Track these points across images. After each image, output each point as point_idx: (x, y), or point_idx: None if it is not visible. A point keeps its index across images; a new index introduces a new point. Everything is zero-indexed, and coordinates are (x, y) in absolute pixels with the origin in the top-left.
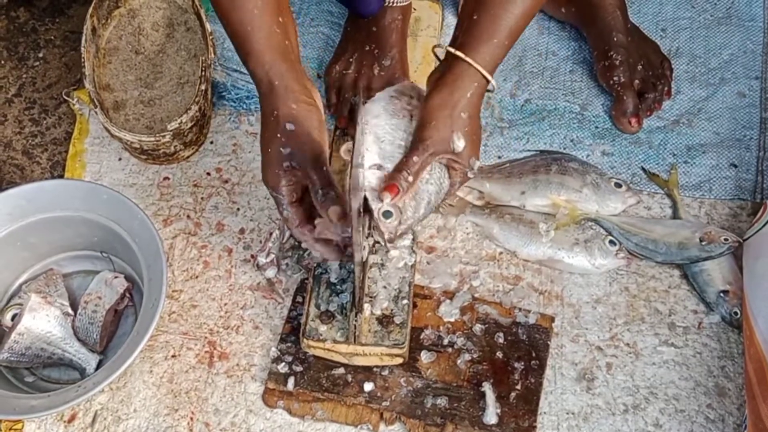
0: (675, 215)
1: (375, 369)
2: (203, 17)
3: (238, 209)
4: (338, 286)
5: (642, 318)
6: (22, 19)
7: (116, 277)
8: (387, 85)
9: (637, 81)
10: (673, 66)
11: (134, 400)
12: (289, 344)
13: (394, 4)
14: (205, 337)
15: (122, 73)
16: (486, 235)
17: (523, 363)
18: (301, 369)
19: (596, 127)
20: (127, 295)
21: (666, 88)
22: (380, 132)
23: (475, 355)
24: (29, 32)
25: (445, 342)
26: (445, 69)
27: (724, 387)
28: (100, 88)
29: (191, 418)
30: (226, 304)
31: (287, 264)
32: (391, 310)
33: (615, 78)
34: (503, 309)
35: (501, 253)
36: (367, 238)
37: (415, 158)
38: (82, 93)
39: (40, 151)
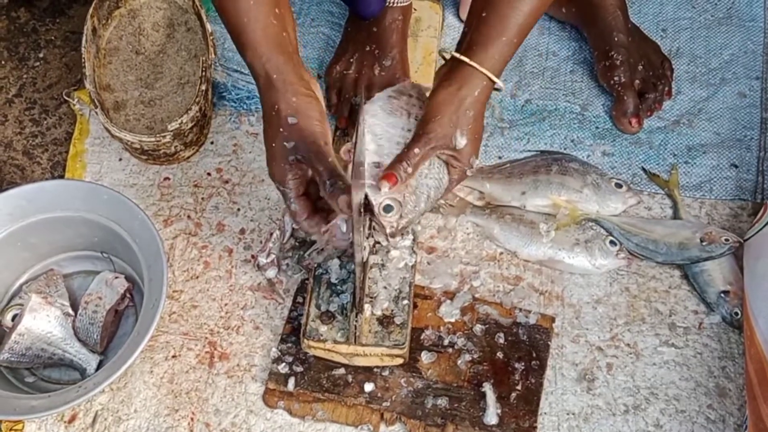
0: (675, 215)
1: (375, 369)
2: (204, 17)
3: (239, 209)
4: (339, 287)
5: (642, 318)
6: (22, 20)
7: (117, 278)
8: (387, 85)
9: (637, 81)
10: (673, 66)
11: (135, 401)
12: (289, 345)
13: (395, 5)
14: (206, 338)
15: (123, 74)
16: (486, 236)
17: (523, 363)
18: (302, 369)
19: (597, 128)
20: (128, 295)
21: (666, 89)
22: (378, 130)
23: (475, 356)
24: (30, 32)
25: (446, 342)
26: (454, 66)
27: (724, 387)
28: (100, 89)
29: (192, 419)
30: (226, 305)
31: (288, 264)
32: (392, 310)
33: (615, 78)
34: (504, 309)
35: (501, 253)
36: (367, 238)
37: (416, 150)
38: (83, 93)
39: (41, 152)
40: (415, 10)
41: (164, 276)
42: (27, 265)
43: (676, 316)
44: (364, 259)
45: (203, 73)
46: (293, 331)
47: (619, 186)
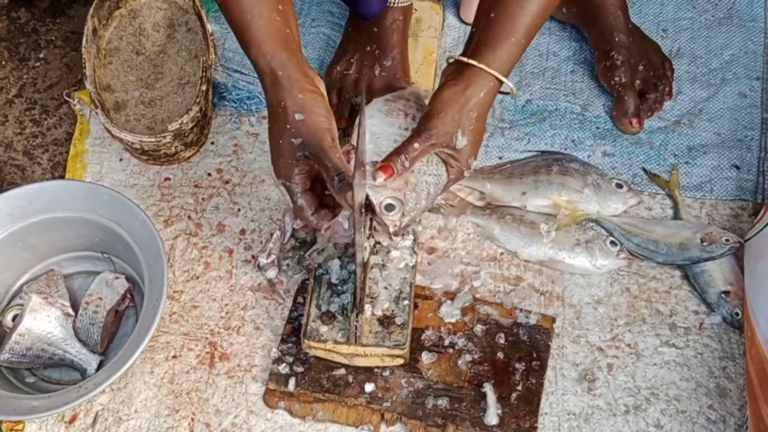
0: (676, 216)
1: (376, 370)
2: (204, 18)
3: (239, 210)
4: (339, 287)
5: (643, 319)
6: (23, 20)
7: (117, 278)
8: (388, 85)
9: (638, 81)
10: (674, 66)
11: (135, 401)
12: (290, 345)
13: (396, 5)
14: (206, 338)
15: (123, 74)
16: (487, 236)
17: (524, 364)
18: (302, 370)
19: (597, 128)
20: (128, 295)
21: (667, 89)
22: (375, 129)
23: (476, 356)
24: (30, 33)
25: (446, 343)
26: (462, 66)
27: (725, 388)
28: (100, 89)
29: (192, 419)
30: (226, 305)
31: (288, 265)
32: (392, 310)
33: (616, 78)
34: (504, 310)
35: (502, 253)
36: (368, 239)
37: (415, 145)
38: (83, 93)
39: (41, 152)
40: (415, 10)
41: (165, 276)
42: (27, 266)
43: (676, 317)
44: (365, 260)
45: (204, 74)
46: (294, 331)
47: (619, 186)
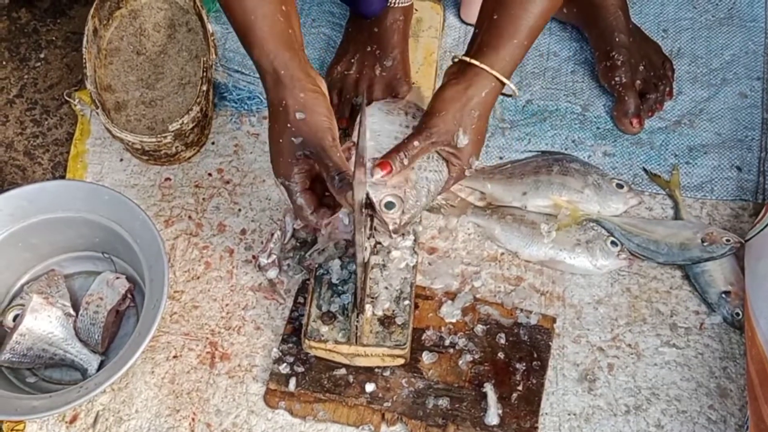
0: (677, 216)
1: (376, 370)
2: (204, 18)
3: (240, 210)
4: (340, 287)
5: (643, 319)
6: (23, 20)
7: (118, 278)
8: (389, 85)
9: (638, 81)
10: (674, 66)
11: (136, 401)
12: (290, 345)
13: (396, 5)
14: (207, 338)
15: (124, 74)
16: (487, 236)
17: (524, 364)
18: (303, 370)
19: (598, 128)
20: (129, 295)
21: (667, 89)
22: (376, 127)
23: (476, 356)
24: (31, 33)
25: (447, 343)
26: (464, 66)
27: (725, 388)
28: (101, 89)
29: (193, 419)
30: (227, 305)
31: (288, 265)
32: (393, 310)
33: (617, 78)
34: (505, 310)
35: (502, 253)
36: (369, 239)
37: (415, 143)
38: (84, 94)
39: (42, 152)
40: (416, 10)
41: (165, 276)
42: (28, 266)
43: (677, 317)
44: (366, 260)
45: (204, 74)
46: (294, 331)
47: (620, 186)
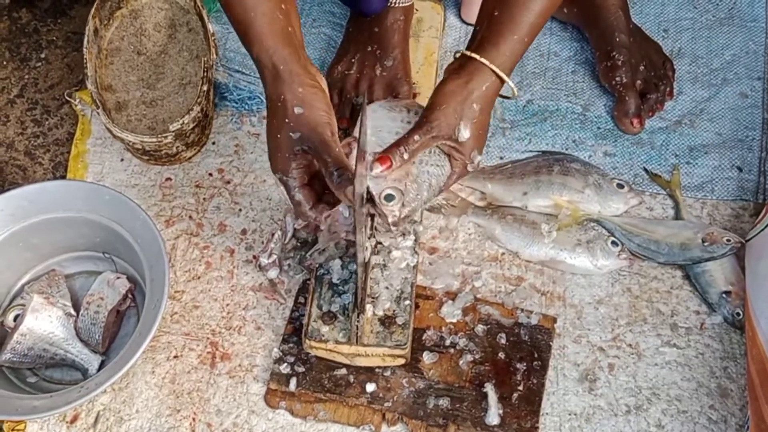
0: (677, 216)
1: (377, 370)
2: (205, 18)
3: (240, 210)
4: (340, 287)
5: (644, 319)
6: (24, 20)
7: (118, 278)
8: (389, 85)
9: (639, 81)
10: (675, 66)
11: (136, 401)
12: (291, 345)
13: (397, 5)
14: (208, 338)
15: (124, 74)
16: (488, 236)
17: (525, 364)
18: (303, 370)
19: (598, 128)
20: (130, 295)
21: (668, 89)
22: (378, 123)
23: (477, 356)
24: (31, 33)
25: (447, 343)
26: (464, 61)
27: (726, 388)
28: (102, 89)
29: (193, 419)
30: (228, 305)
31: (289, 265)
32: (394, 310)
33: (617, 78)
34: (505, 310)
35: (503, 253)
36: (369, 238)
37: (416, 137)
38: (84, 94)
39: (43, 152)
40: (416, 10)
41: (166, 276)
42: (29, 266)
43: (677, 317)
44: (366, 260)
45: (205, 74)
46: (295, 331)
47: (620, 186)
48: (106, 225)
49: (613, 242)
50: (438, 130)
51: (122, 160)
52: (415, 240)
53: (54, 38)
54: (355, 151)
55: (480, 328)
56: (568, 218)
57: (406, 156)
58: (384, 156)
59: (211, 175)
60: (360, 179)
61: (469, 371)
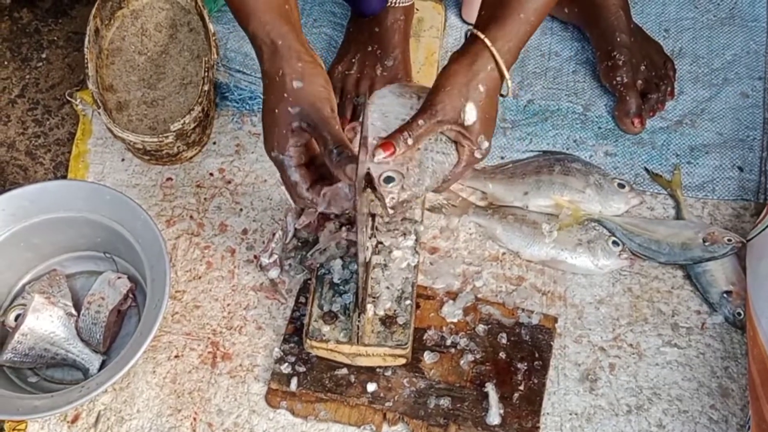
0: (678, 216)
1: (378, 369)
2: (206, 18)
3: (241, 210)
4: (341, 287)
5: (645, 318)
6: (25, 20)
7: (119, 278)
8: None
9: (640, 81)
10: (676, 66)
11: (137, 401)
12: (292, 345)
13: (397, 5)
14: (208, 338)
15: (125, 74)
16: (489, 236)
17: (526, 364)
18: (304, 369)
19: (599, 128)
20: (130, 295)
21: (669, 89)
22: (385, 109)
23: (478, 356)
24: (32, 33)
25: (448, 342)
26: (469, 42)
27: (727, 388)
28: (103, 89)
29: (194, 419)
30: (229, 305)
31: (290, 264)
32: (394, 310)
33: (618, 78)
34: (506, 309)
35: (504, 253)
36: (370, 238)
37: (420, 122)
38: (85, 94)
39: (43, 152)
40: (417, 10)
41: (167, 276)
42: (30, 266)
43: (678, 317)
44: (367, 259)
45: (206, 74)
46: (296, 331)
47: (621, 186)
48: (107, 225)
49: (614, 242)
50: (443, 113)
51: (123, 160)
52: (416, 240)
53: (55, 38)
54: (357, 139)
55: (481, 328)
56: (569, 218)
57: (410, 141)
58: (387, 142)
59: (212, 174)
60: (361, 167)
61: (470, 371)
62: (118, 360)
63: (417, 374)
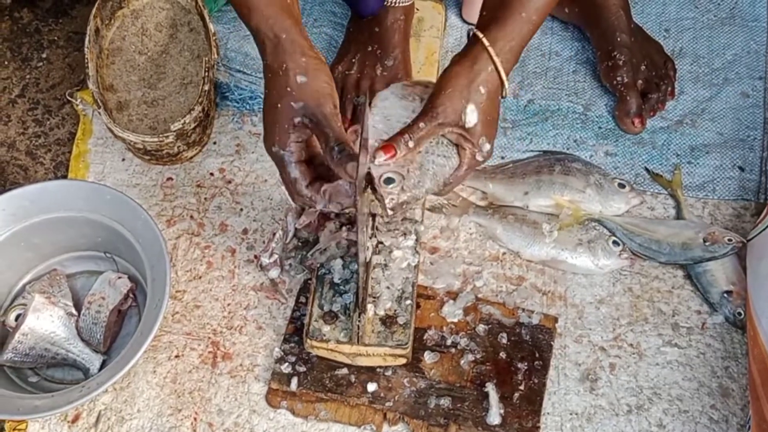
0: (678, 216)
1: (378, 369)
2: (206, 18)
3: (242, 209)
4: (341, 287)
5: (645, 318)
6: (25, 20)
7: (120, 278)
8: (390, 85)
9: (640, 81)
10: (676, 66)
11: (138, 401)
12: (292, 344)
13: (396, 5)
14: (209, 338)
15: (125, 74)
16: (489, 236)
17: (526, 363)
18: (305, 369)
19: (599, 128)
20: (131, 295)
21: (669, 89)
22: (388, 112)
23: (478, 356)
24: (33, 33)
25: (449, 342)
26: (470, 44)
27: (727, 387)
28: (103, 89)
29: (195, 419)
30: (229, 305)
31: (290, 264)
32: (395, 310)
33: (618, 78)
34: (506, 309)
35: (504, 253)
36: (371, 238)
37: (421, 124)
38: (86, 93)
39: (44, 152)
40: (417, 10)
41: (167, 276)
42: (30, 265)
43: (679, 317)
44: (368, 259)
45: (206, 74)
46: (296, 331)
47: (622, 186)
48: (107, 225)
49: (614, 242)
50: (444, 116)
51: (123, 159)
52: (417, 240)
53: (55, 38)
54: (358, 141)
55: (481, 328)
56: (570, 218)
57: (411, 144)
58: (388, 144)
59: (212, 174)
60: (362, 168)
61: (471, 371)
62: (118, 360)
63: (417, 374)
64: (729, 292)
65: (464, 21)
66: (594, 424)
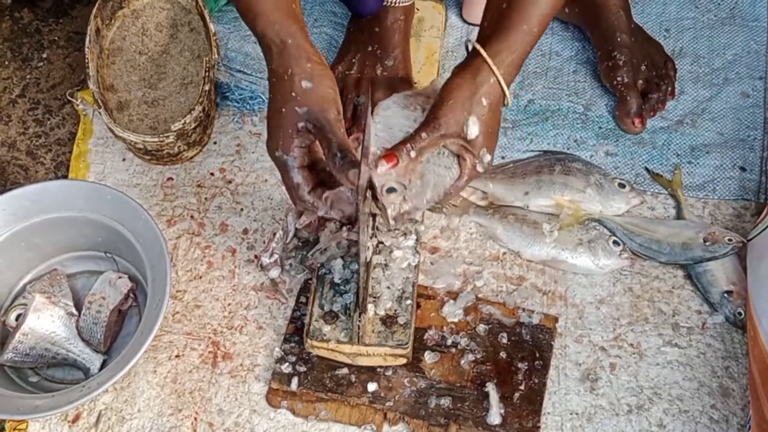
0: (679, 215)
1: (378, 369)
2: (207, 18)
3: (242, 209)
4: (342, 287)
5: (646, 318)
6: (26, 20)
7: (120, 278)
8: (390, 85)
9: (640, 81)
10: (676, 66)
11: (138, 400)
12: (292, 344)
13: (396, 5)
14: (209, 338)
15: (126, 74)
16: (489, 236)
17: (526, 363)
18: (305, 369)
19: (600, 128)
20: (131, 295)
21: (669, 89)
22: (390, 121)
23: (478, 356)
24: (33, 33)
25: (449, 342)
26: (472, 55)
27: (728, 387)
28: (103, 89)
29: (195, 418)
30: (229, 305)
31: (291, 264)
32: (395, 310)
33: (618, 78)
34: (507, 309)
35: (504, 253)
36: (371, 238)
37: (423, 135)
38: (86, 93)
39: (44, 152)
40: (417, 10)
41: (167, 276)
42: (31, 265)
43: (679, 316)
44: (368, 259)
45: (206, 74)
46: (296, 330)
47: (622, 186)
48: (107, 225)
49: (614, 242)
50: (446, 127)
51: (124, 159)
52: (417, 239)
53: (56, 38)
54: (360, 147)
55: (481, 328)
56: (570, 218)
57: (413, 154)
58: (390, 153)
59: (212, 174)
60: (363, 175)
61: (471, 371)
62: (118, 360)
63: (418, 374)
64: (729, 292)
65: (464, 21)
66: (594, 424)
